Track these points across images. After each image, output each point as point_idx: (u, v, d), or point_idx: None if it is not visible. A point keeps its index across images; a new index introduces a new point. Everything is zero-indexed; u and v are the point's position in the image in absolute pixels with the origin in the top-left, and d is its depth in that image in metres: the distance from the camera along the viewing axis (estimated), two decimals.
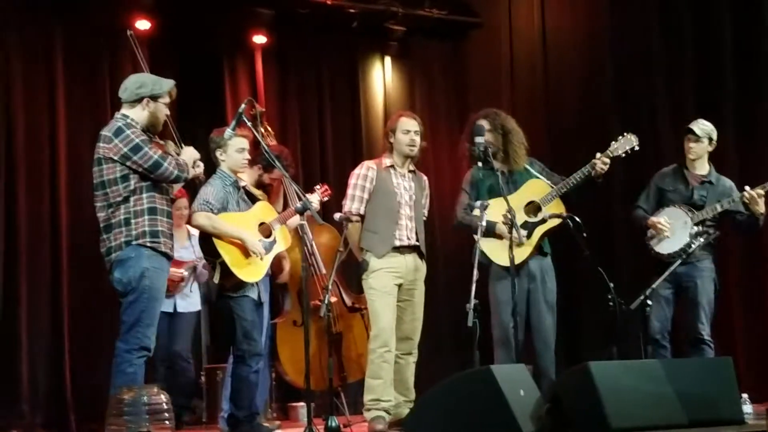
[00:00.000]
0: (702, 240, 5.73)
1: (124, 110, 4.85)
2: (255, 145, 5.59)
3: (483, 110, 5.85)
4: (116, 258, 4.72)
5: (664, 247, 5.86)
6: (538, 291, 5.61)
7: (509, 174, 5.69)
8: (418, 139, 5.71)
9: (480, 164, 5.32)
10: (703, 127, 5.95)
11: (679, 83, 7.36)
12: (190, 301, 6.73)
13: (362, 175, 5.71)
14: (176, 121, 5.05)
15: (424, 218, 5.86)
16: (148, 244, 4.71)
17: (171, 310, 6.60)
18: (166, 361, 6.63)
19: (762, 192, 5.70)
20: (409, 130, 5.69)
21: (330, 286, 5.19)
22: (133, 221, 4.71)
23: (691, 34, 7.33)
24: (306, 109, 8.17)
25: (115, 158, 4.71)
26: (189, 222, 5.93)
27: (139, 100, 4.81)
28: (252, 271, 5.33)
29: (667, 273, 5.55)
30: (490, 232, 5.35)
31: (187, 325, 6.79)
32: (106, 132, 4.78)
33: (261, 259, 5.34)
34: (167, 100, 4.89)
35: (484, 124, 5.63)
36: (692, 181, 5.98)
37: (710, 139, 5.96)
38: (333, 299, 5.59)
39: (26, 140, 6.95)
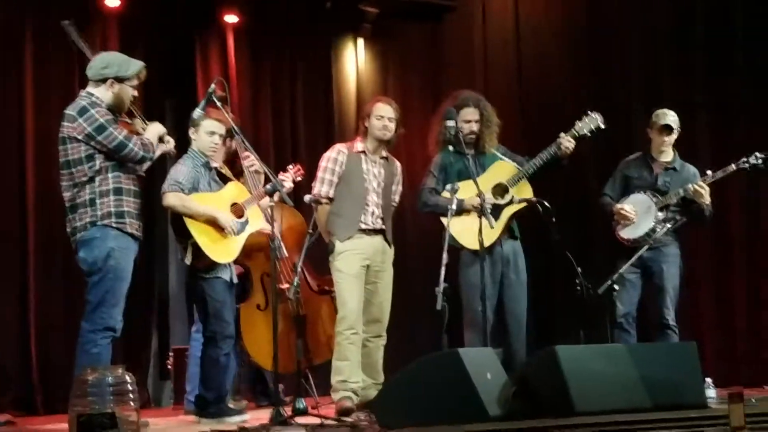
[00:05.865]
0: (669, 225, 5.83)
1: (90, 88, 4.79)
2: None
3: (466, 94, 5.81)
4: (81, 238, 4.69)
5: (630, 233, 5.94)
6: (512, 273, 5.64)
7: (477, 157, 5.71)
8: (391, 125, 5.69)
9: (451, 148, 5.34)
10: (673, 119, 6.02)
11: (654, 63, 7.45)
12: None
13: (332, 159, 5.70)
14: (146, 100, 4.99)
15: (394, 205, 5.86)
16: (114, 225, 4.67)
17: None
18: None
19: (704, 185, 5.78)
20: (382, 116, 5.67)
21: (299, 269, 5.18)
22: (98, 201, 4.67)
23: (665, 12, 7.39)
24: (278, 90, 8.09)
25: (80, 138, 4.66)
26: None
27: (104, 80, 4.75)
28: (224, 252, 5.29)
29: (634, 258, 5.65)
30: (460, 209, 5.33)
31: None
32: (70, 111, 4.72)
33: (234, 234, 5.30)
34: (134, 82, 4.82)
35: (472, 111, 5.67)
36: (656, 168, 6.05)
37: (678, 130, 6.04)
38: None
39: None
